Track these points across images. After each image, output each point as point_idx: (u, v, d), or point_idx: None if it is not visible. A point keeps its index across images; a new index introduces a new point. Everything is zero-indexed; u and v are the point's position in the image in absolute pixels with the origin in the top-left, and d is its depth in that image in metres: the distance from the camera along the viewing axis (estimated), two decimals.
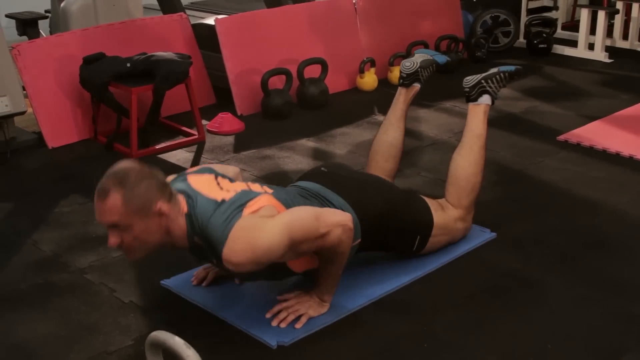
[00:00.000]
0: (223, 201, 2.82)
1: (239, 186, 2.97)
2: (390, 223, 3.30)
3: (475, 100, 3.79)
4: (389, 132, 3.89)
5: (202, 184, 2.94)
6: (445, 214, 3.53)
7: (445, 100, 5.99)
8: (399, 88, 3.93)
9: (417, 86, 3.92)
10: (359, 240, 3.16)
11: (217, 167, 3.15)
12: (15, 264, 3.54)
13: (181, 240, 2.87)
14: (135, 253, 2.84)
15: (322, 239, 2.86)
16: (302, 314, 3.02)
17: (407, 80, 3.90)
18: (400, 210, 3.35)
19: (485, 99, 3.80)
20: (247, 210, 2.80)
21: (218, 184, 2.96)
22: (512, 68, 3.86)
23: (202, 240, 2.81)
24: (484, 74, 3.79)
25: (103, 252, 3.61)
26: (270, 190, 3.03)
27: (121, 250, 2.82)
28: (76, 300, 3.21)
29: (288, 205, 2.97)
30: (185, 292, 3.23)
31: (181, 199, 2.85)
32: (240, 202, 2.82)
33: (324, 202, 3.14)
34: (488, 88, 3.79)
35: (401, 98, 3.92)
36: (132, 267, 3.49)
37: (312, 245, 2.88)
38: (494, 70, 3.83)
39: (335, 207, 3.13)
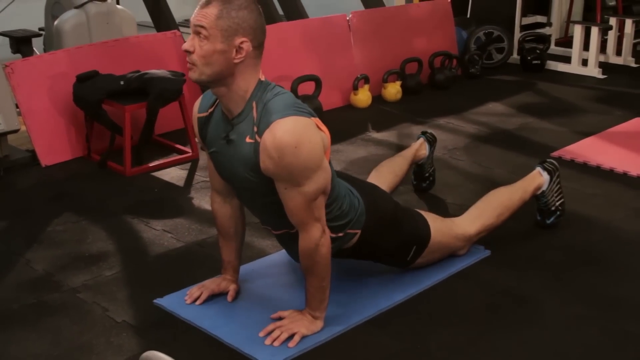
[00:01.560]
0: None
1: None
2: (393, 227, 3.30)
3: (544, 169, 3.98)
4: (397, 159, 4.24)
5: None
6: (449, 230, 3.54)
7: (439, 116, 5.99)
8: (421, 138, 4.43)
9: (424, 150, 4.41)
10: (359, 231, 3.18)
11: None
12: (8, 283, 3.52)
13: (236, 96, 2.86)
14: (194, 71, 2.81)
15: (311, 212, 2.88)
16: (295, 333, 3.01)
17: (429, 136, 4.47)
18: (403, 218, 3.37)
19: (546, 177, 3.95)
20: (315, 120, 2.88)
21: None
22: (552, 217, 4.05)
23: (258, 107, 2.83)
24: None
25: (96, 271, 3.59)
26: None
27: (188, 60, 2.81)
28: (69, 320, 3.19)
29: None
30: (178, 311, 3.21)
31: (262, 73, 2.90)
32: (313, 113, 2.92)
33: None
34: (553, 179, 3.98)
35: (415, 146, 4.38)
36: (126, 286, 3.47)
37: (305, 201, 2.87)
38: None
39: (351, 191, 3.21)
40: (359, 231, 3.19)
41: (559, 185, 3.97)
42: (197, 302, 3.25)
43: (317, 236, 2.91)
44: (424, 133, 4.47)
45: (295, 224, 2.94)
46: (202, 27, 2.74)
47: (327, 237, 2.96)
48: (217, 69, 2.79)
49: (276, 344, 2.97)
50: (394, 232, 3.32)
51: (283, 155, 2.74)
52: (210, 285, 3.32)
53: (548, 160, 4.01)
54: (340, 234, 3.15)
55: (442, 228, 3.50)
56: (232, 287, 3.31)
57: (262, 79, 2.91)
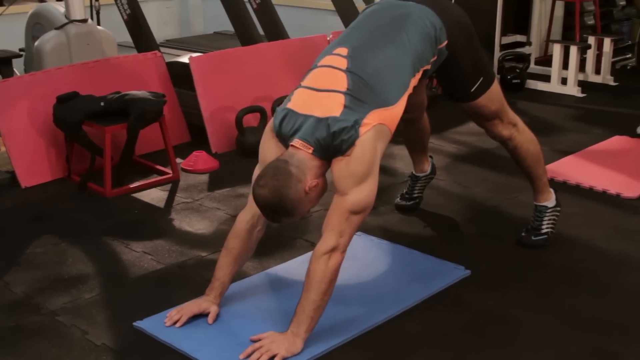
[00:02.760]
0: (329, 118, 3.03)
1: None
2: (472, 42, 3.67)
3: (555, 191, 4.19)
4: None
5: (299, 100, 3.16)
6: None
7: None
8: None
9: None
10: (446, 41, 3.45)
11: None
12: None
13: (325, 165, 3.11)
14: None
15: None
16: (275, 355, 3.00)
17: None
18: (479, 45, 3.76)
19: (554, 197, 4.14)
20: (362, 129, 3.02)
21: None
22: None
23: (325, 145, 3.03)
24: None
25: (75, 294, 3.58)
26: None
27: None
28: (48, 343, 3.17)
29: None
30: (158, 334, 3.20)
31: (303, 151, 3.03)
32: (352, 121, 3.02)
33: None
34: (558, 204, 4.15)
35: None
36: (105, 308, 3.46)
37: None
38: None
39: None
40: (446, 41, 3.44)
41: (558, 214, 4.07)
42: (177, 325, 3.25)
43: (331, 246, 3.01)
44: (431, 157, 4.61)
45: (324, 227, 3.05)
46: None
47: (340, 257, 3.02)
48: (322, 191, 3.15)
49: None
50: (472, 47, 3.66)
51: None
52: (190, 307, 3.31)
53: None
54: (434, 57, 3.43)
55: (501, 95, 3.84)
56: (212, 309, 3.31)
57: (309, 151, 3.06)
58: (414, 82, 3.31)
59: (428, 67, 3.40)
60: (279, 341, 3.04)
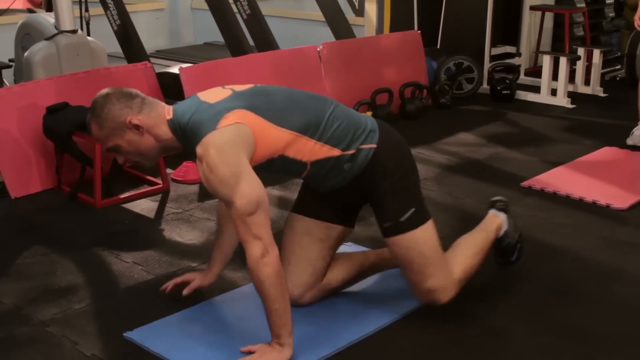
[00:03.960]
0: (204, 103, 3.10)
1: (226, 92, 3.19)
2: (404, 165, 3.37)
3: (498, 210, 3.83)
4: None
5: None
6: (441, 254, 3.40)
7: (410, 147, 5.97)
8: None
9: None
10: (374, 146, 3.25)
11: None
12: None
13: (174, 143, 3.15)
14: (144, 163, 3.25)
15: (249, 228, 2.94)
16: None
17: None
18: (415, 173, 3.44)
19: (502, 217, 3.79)
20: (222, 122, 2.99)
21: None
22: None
23: (182, 139, 3.10)
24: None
25: (65, 305, 3.57)
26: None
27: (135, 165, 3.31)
28: (37, 354, 3.16)
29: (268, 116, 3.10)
30: (148, 345, 3.19)
31: (163, 107, 3.14)
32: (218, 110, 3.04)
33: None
34: (509, 216, 3.82)
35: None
36: (95, 319, 3.45)
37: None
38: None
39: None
40: (374, 145, 3.24)
41: (513, 220, 3.84)
42: (185, 291, 3.48)
43: (256, 255, 2.92)
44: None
45: (240, 240, 3.01)
46: (108, 149, 3.17)
47: (271, 257, 2.93)
48: (147, 148, 3.15)
49: None
50: (404, 170, 3.35)
51: (204, 178, 2.99)
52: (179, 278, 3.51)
53: (496, 199, 3.87)
54: (352, 151, 3.21)
55: (437, 242, 3.38)
56: (195, 281, 3.50)
57: (169, 116, 3.13)
58: (309, 144, 3.16)
59: (337, 152, 3.19)
60: (267, 352, 3.03)
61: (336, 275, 3.51)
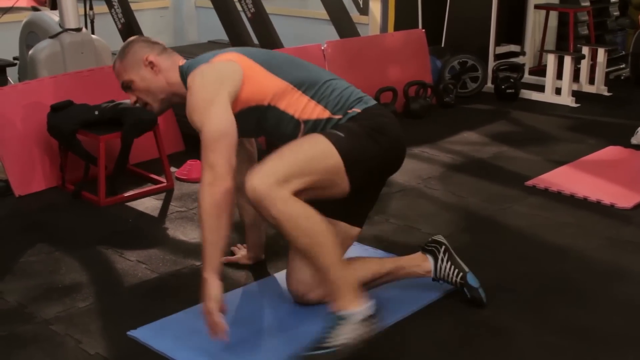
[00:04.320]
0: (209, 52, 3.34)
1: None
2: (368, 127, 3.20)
3: (424, 251, 3.57)
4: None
5: None
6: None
7: (414, 145, 6.01)
8: None
9: None
10: (359, 110, 3.19)
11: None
12: None
13: (181, 89, 3.34)
14: (152, 105, 3.44)
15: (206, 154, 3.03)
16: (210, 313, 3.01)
17: None
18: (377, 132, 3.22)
19: (431, 261, 3.52)
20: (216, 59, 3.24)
21: None
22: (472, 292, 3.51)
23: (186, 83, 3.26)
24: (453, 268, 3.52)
25: (69, 303, 3.57)
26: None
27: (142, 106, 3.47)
28: (41, 353, 3.16)
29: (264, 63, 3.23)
30: (153, 343, 3.19)
31: (180, 57, 3.42)
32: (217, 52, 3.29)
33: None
34: (439, 259, 3.53)
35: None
36: (99, 317, 3.45)
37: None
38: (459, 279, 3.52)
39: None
40: (358, 110, 3.20)
41: (449, 262, 3.50)
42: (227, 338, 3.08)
43: (206, 181, 2.99)
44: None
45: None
46: (123, 85, 3.43)
47: (218, 188, 2.96)
48: (157, 88, 3.38)
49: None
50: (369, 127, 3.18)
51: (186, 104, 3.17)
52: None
53: (431, 239, 3.59)
54: (340, 116, 3.18)
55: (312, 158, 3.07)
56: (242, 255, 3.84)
57: (180, 63, 3.40)
58: (302, 99, 3.19)
59: (327, 114, 3.17)
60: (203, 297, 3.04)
61: None
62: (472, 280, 3.48)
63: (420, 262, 3.52)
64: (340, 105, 3.20)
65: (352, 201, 3.25)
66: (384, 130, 3.20)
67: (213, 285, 3.00)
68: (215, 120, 3.02)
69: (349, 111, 3.19)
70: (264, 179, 2.88)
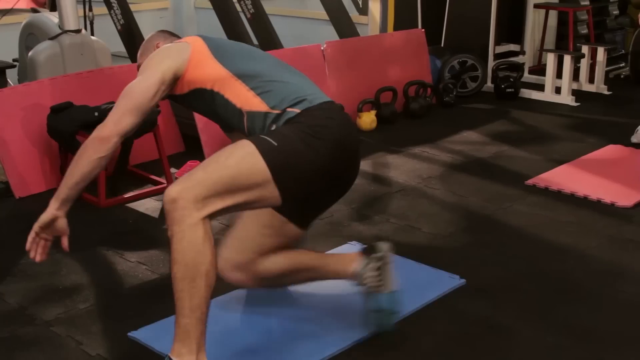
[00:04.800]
0: None
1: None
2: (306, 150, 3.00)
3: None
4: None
5: None
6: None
7: (414, 145, 6.01)
8: None
9: None
10: (298, 111, 3.01)
11: None
12: None
13: None
14: None
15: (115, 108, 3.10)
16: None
17: None
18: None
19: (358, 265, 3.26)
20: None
21: None
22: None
23: None
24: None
25: (70, 304, 3.57)
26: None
27: None
28: (42, 355, 3.16)
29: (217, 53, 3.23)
30: (153, 344, 3.19)
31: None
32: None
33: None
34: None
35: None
36: (100, 318, 3.45)
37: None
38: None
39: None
40: (297, 110, 3.02)
41: (378, 272, 3.22)
42: (38, 259, 3.16)
43: (94, 134, 3.04)
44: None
45: None
46: (138, 65, 3.44)
47: (100, 132, 3.03)
48: None
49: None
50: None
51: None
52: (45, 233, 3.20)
53: (376, 244, 3.30)
54: (278, 111, 3.04)
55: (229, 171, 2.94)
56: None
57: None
58: (242, 89, 3.14)
59: (264, 107, 3.07)
60: None
61: (268, 265, 3.24)
62: (387, 300, 3.22)
63: (348, 263, 3.28)
64: (279, 101, 3.07)
65: (298, 205, 3.14)
66: (321, 134, 2.99)
67: (47, 211, 3.14)
68: (137, 82, 3.12)
69: (288, 109, 3.04)
70: (183, 192, 2.79)
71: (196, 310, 2.82)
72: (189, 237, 2.78)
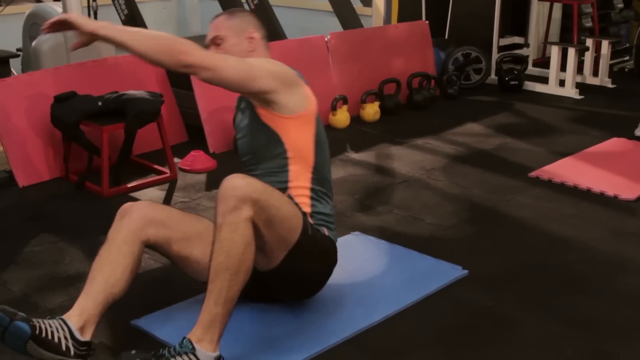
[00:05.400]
0: None
1: None
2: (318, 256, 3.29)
3: None
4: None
5: None
6: None
7: (418, 137, 6.01)
8: None
9: None
10: (325, 230, 3.26)
11: None
12: None
13: None
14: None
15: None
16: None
17: None
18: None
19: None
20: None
21: None
22: None
23: None
24: None
25: (73, 292, 3.57)
26: None
27: None
28: None
29: None
30: (156, 332, 3.20)
31: (270, 54, 3.51)
32: None
33: None
34: None
35: None
36: None
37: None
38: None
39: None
40: (327, 235, 3.26)
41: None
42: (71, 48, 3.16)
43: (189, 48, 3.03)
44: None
45: None
46: (215, 37, 3.37)
47: (177, 54, 3.00)
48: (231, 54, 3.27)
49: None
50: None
51: None
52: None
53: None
54: (312, 221, 3.22)
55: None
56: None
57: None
58: (307, 170, 3.31)
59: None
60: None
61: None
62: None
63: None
64: (320, 217, 3.28)
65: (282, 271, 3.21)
66: (330, 263, 3.32)
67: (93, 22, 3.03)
68: (258, 61, 3.24)
69: (324, 229, 3.26)
70: (249, 188, 2.88)
71: (229, 303, 2.86)
72: (242, 230, 2.85)
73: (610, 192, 4.79)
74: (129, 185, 4.94)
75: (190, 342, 2.81)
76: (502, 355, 3.09)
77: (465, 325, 3.31)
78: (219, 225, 2.86)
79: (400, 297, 3.48)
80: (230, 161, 5.45)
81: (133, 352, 3.06)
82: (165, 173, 5.15)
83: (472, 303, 3.48)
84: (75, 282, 3.68)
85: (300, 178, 3.26)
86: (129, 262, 3.13)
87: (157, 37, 3.05)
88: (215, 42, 3.37)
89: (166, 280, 3.70)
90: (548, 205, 4.63)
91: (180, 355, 2.78)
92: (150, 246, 3.25)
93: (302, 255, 3.13)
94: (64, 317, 2.93)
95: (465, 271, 3.72)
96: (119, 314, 3.37)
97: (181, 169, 5.27)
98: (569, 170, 5.24)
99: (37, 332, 2.84)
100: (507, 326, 3.30)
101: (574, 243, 4.14)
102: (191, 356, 2.78)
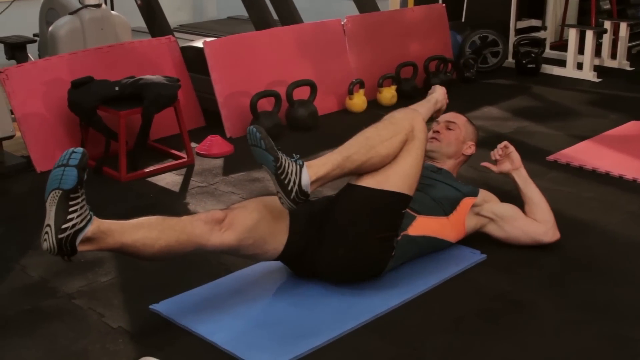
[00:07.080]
0: None
1: None
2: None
3: None
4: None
5: None
6: None
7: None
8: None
9: None
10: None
11: None
12: (3, 290, 3.52)
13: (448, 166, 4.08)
14: (438, 143, 4.07)
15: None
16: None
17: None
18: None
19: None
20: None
21: None
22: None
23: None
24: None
25: (91, 277, 3.59)
26: None
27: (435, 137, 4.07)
28: (64, 326, 3.18)
29: None
30: (174, 317, 3.20)
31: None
32: None
33: None
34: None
35: None
36: (121, 291, 3.47)
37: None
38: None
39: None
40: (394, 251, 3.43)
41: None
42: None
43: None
44: None
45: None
46: (453, 122, 4.13)
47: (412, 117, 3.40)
48: (450, 152, 4.08)
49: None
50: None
51: None
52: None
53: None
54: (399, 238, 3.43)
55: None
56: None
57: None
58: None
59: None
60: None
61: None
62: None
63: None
64: (400, 249, 3.46)
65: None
66: (384, 255, 3.43)
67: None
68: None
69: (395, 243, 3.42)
70: (424, 129, 3.39)
71: (348, 162, 3.25)
72: (398, 136, 3.30)
73: (629, 175, 4.77)
74: (147, 170, 4.95)
75: (302, 161, 3.15)
76: (519, 340, 3.08)
77: (483, 310, 3.30)
78: (392, 115, 3.40)
79: (418, 281, 3.47)
80: (247, 146, 5.44)
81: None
82: (183, 158, 5.15)
83: (491, 287, 3.47)
84: (93, 267, 3.69)
85: (427, 229, 3.61)
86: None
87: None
88: (449, 127, 4.11)
89: (184, 265, 3.70)
90: (566, 189, 4.61)
91: (291, 163, 3.10)
92: None
93: (374, 209, 3.31)
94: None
95: (484, 255, 3.71)
96: (138, 298, 3.39)
97: (198, 154, 5.28)
98: (587, 153, 5.22)
99: (279, 170, 3.09)
100: (526, 311, 3.29)
101: (592, 227, 4.12)
102: (298, 169, 3.09)
